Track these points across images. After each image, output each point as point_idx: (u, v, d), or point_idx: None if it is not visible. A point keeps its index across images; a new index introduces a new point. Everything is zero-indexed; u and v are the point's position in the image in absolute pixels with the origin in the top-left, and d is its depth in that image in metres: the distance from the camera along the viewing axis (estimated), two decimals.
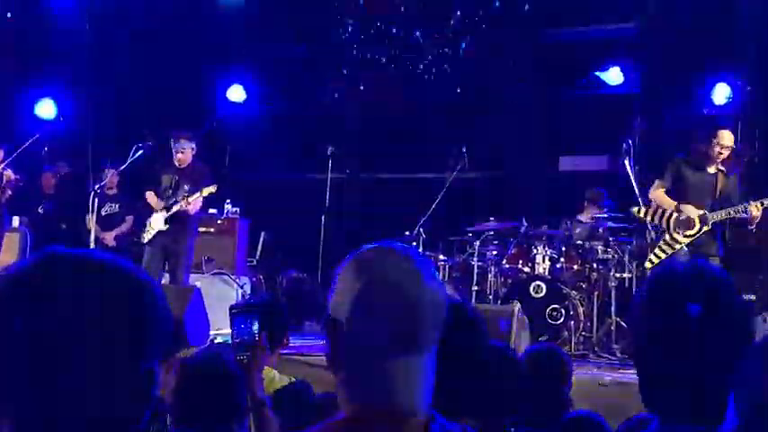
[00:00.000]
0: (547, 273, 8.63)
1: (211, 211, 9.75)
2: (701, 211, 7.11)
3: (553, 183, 10.00)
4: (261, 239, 10.66)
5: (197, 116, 11.31)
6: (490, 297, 8.80)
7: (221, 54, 11.78)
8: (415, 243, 9.17)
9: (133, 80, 11.60)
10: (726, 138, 7.21)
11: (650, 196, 7.43)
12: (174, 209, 8.15)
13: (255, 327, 3.67)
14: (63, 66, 11.81)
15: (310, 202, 10.81)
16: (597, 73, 10.11)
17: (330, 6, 11.35)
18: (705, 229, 7.09)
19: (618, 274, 8.42)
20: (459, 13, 10.96)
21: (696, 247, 7.10)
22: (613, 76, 10.10)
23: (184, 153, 8.31)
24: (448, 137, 10.33)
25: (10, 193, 9.39)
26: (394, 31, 11.31)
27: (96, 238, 9.38)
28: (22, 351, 1.23)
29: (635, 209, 7.56)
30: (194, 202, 8.19)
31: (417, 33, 11.30)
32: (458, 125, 10.70)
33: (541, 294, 8.31)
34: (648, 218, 7.43)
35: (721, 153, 7.17)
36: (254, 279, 10.05)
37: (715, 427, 1.60)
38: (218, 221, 9.68)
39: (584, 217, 9.15)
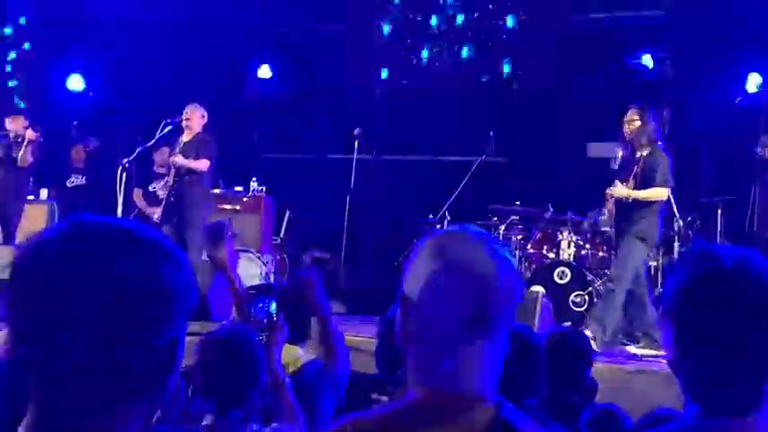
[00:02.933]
0: (572, 258, 8.60)
1: (237, 188, 9.79)
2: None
3: (580, 169, 9.92)
4: (286, 218, 10.68)
5: (227, 92, 11.35)
6: None
7: (252, 32, 11.77)
8: (439, 225, 9.15)
9: (164, 56, 11.64)
10: (628, 113, 7.37)
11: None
12: (173, 173, 8.20)
13: (273, 307, 3.71)
14: (93, 39, 11.87)
15: (336, 183, 10.80)
16: (629, 60, 10.03)
17: None
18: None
19: None
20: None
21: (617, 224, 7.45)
22: (645, 62, 10.01)
23: (190, 118, 8.34)
24: (475, 121, 10.30)
25: (31, 160, 9.46)
26: (420, 17, 11.28)
27: (136, 213, 9.47)
28: (41, 317, 1.23)
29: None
30: (195, 163, 8.21)
31: (448, 15, 11.25)
32: (485, 109, 10.65)
33: (566, 280, 8.28)
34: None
35: (627, 127, 7.32)
36: (278, 257, 10.07)
37: (754, 416, 1.62)
38: (244, 199, 9.71)
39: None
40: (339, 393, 3.74)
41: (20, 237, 9.83)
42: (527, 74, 10.89)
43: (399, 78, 11.42)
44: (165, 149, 9.05)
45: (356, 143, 10.60)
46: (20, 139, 9.46)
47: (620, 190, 7.20)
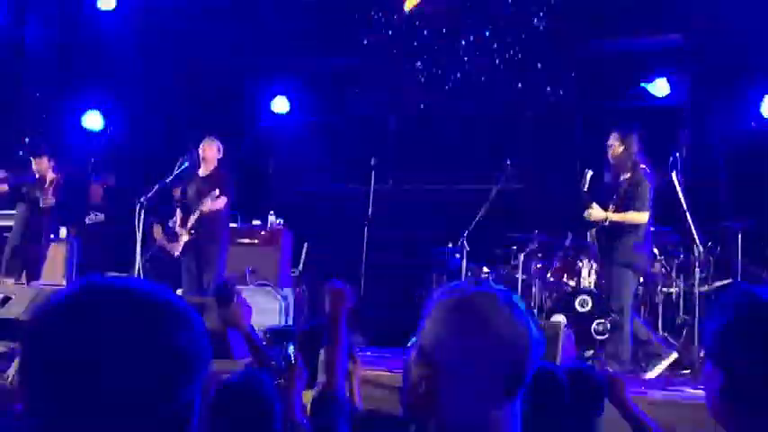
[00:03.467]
0: (593, 286, 8.53)
1: (255, 222, 9.80)
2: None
3: (599, 195, 9.87)
4: (304, 250, 10.67)
5: (241, 127, 11.39)
6: (534, 311, 8.71)
7: (265, 66, 11.83)
8: (458, 255, 9.11)
9: (177, 92, 11.71)
10: (611, 138, 7.43)
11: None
12: (193, 217, 8.27)
13: (291, 350, 3.66)
14: (109, 78, 11.96)
15: (353, 213, 10.79)
16: (643, 84, 9.99)
17: (371, 18, 11.35)
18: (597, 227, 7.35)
19: (665, 289, 8.30)
20: (501, 24, 10.89)
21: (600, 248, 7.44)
22: (660, 87, 9.97)
23: (206, 152, 8.42)
24: (492, 148, 10.28)
25: (53, 201, 9.49)
26: (436, 45, 11.29)
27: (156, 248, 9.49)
28: (55, 379, 1.23)
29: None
30: (213, 204, 8.26)
31: (462, 43, 11.26)
32: (502, 137, 10.64)
33: (587, 308, 8.22)
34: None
35: (611, 151, 7.39)
36: (298, 290, 10.06)
37: None
38: (262, 233, 9.71)
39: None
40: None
41: (45, 277, 9.89)
42: (543, 100, 10.86)
43: (414, 107, 11.42)
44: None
45: (372, 173, 10.60)
46: (43, 181, 9.50)
47: (597, 212, 7.20)
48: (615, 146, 7.31)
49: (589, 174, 7.50)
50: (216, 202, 8.32)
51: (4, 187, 9.60)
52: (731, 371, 1.60)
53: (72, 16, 12.55)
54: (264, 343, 3.80)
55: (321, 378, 3.78)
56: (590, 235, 7.80)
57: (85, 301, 1.28)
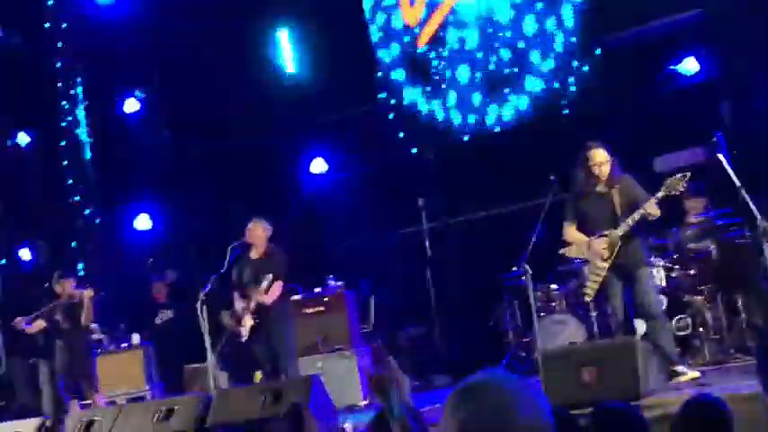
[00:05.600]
0: (664, 284, 8.32)
1: (316, 290, 9.79)
2: (605, 234, 7.10)
3: (651, 186, 9.65)
4: (371, 304, 10.62)
5: (285, 199, 11.46)
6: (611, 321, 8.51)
7: (291, 133, 11.90)
8: (524, 278, 8.96)
9: (214, 180, 11.85)
10: (597, 155, 7.22)
11: (565, 238, 7.51)
12: (253, 303, 8.31)
13: None
14: (146, 176, 12.17)
15: (411, 257, 10.77)
16: (672, 67, 9.80)
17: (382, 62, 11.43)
18: (617, 246, 7.07)
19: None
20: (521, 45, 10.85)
21: (620, 266, 7.11)
22: (689, 66, 9.76)
23: (253, 235, 8.45)
24: (532, 162, 10.13)
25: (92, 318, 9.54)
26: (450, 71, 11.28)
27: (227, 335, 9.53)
28: None
29: (563, 250, 7.68)
30: (271, 293, 8.31)
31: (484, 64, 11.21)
32: (541, 149, 10.49)
33: (663, 308, 8.01)
34: (573, 255, 7.66)
35: (601, 169, 7.17)
36: (373, 346, 9.98)
37: None
38: (325, 299, 9.69)
39: (688, 218, 8.82)
40: None
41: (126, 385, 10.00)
42: (575, 102, 10.71)
43: (446, 139, 11.38)
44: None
45: (423, 213, 10.56)
46: (74, 301, 9.51)
47: (615, 235, 7.03)
48: (605, 163, 7.19)
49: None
50: (272, 293, 8.37)
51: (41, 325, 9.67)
52: None
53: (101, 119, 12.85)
54: None
55: None
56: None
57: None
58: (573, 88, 10.69)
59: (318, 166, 11.89)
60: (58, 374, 9.54)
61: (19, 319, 9.73)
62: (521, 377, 1.76)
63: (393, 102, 11.70)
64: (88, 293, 9.39)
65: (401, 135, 11.63)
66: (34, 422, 8.02)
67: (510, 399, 1.64)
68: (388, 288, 10.72)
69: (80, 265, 12.16)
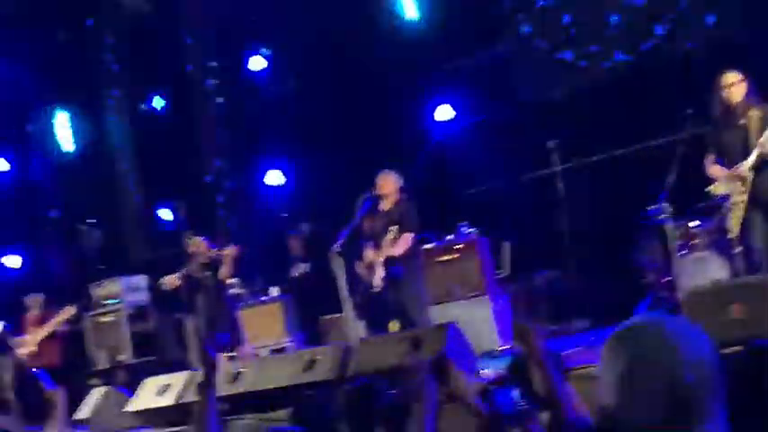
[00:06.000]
0: None
1: (448, 237, 9.74)
2: (739, 168, 6.78)
3: None
4: (506, 250, 10.51)
5: (413, 149, 11.41)
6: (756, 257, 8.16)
7: (416, 81, 11.80)
8: (662, 216, 8.67)
9: (342, 129, 11.90)
10: (728, 77, 6.81)
11: (708, 173, 7.21)
12: (382, 256, 8.33)
13: (515, 395, 3.49)
14: (278, 132, 12.34)
15: (544, 200, 10.57)
16: None
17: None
18: (752, 177, 6.75)
19: None
20: None
21: (757, 198, 6.82)
22: None
23: (383, 187, 8.50)
24: (667, 97, 9.76)
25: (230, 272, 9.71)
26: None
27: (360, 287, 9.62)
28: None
29: (709, 187, 7.33)
30: (400, 244, 8.30)
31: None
32: (675, 82, 10.09)
33: None
34: (720, 191, 7.24)
35: (731, 92, 6.76)
36: (509, 293, 9.90)
37: None
38: (458, 246, 9.63)
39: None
40: None
41: (266, 337, 10.24)
42: (713, 33, 10.22)
43: (576, 80, 11.08)
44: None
45: (554, 155, 10.33)
46: (213, 257, 9.72)
47: (747, 165, 6.63)
48: (739, 82, 6.78)
49: None
50: (401, 243, 8.39)
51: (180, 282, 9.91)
52: None
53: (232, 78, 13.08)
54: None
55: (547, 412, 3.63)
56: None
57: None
58: (712, 18, 10.21)
59: (445, 112, 11.77)
60: (204, 329, 9.85)
61: (169, 276, 10.03)
62: (674, 317, 1.75)
63: (518, 44, 11.44)
64: (231, 251, 9.57)
65: (528, 76, 11.39)
66: (184, 375, 8.35)
67: (673, 337, 1.64)
68: (522, 233, 10.58)
69: (217, 223, 12.49)
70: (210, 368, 3.86)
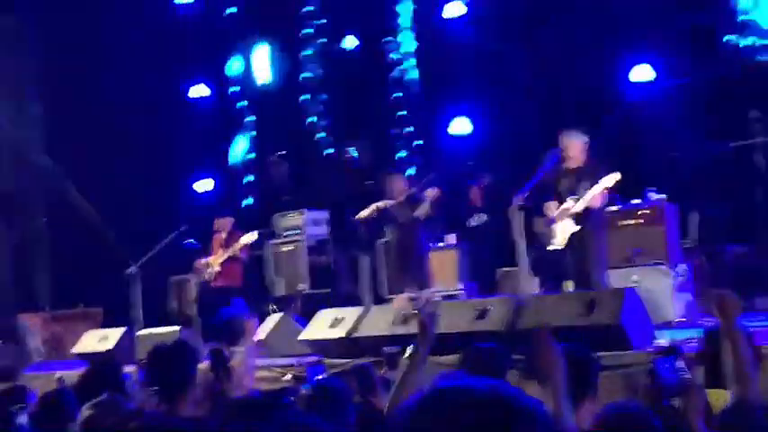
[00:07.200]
0: None
1: (635, 201, 9.46)
2: None
3: None
4: (693, 220, 10.11)
5: (605, 108, 11.11)
6: None
7: (616, 40, 11.42)
8: None
9: (533, 84, 11.72)
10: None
11: None
12: (577, 208, 8.16)
13: (680, 365, 3.40)
14: (468, 80, 12.29)
15: (740, 172, 10.11)
16: None
17: None
18: None
19: None
20: None
21: None
22: None
23: (568, 150, 8.33)
24: None
25: (427, 212, 9.71)
26: None
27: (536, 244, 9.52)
28: None
29: None
30: (594, 198, 8.10)
31: None
32: None
33: None
34: None
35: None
36: (693, 263, 9.54)
37: None
38: (644, 211, 9.33)
39: None
40: None
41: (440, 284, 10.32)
42: None
43: None
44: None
45: (755, 126, 9.84)
46: (409, 195, 9.76)
47: None
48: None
49: None
50: (596, 198, 8.19)
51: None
52: None
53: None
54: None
55: (732, 387, 3.46)
56: None
57: (431, 410, 1.45)
58: None
59: (643, 73, 11.36)
60: (384, 266, 9.99)
61: (364, 210, 10.16)
62: None
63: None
64: (433, 192, 9.58)
65: (733, 42, 10.79)
66: (354, 310, 8.57)
67: None
68: (713, 203, 10.14)
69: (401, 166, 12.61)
70: (430, 342, 3.89)
